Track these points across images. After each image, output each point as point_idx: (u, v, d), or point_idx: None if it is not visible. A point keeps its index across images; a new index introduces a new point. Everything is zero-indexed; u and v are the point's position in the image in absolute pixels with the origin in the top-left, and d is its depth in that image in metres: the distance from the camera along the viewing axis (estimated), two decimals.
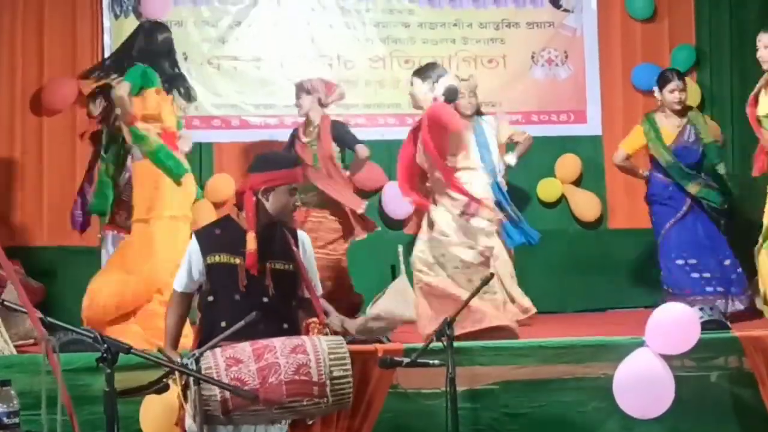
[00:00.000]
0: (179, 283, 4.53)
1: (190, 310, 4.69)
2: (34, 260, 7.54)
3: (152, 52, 6.58)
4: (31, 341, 6.29)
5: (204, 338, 4.39)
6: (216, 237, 4.49)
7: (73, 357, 4.92)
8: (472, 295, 4.63)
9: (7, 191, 8.02)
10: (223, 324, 4.31)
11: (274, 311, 4.35)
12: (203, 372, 3.92)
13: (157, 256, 6.38)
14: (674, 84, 7.52)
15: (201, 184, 8.15)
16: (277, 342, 4.11)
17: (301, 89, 7.33)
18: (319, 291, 4.67)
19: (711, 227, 7.60)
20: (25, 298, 3.67)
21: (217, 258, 4.42)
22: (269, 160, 4.66)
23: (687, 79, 8.65)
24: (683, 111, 7.62)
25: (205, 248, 4.44)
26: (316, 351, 4.10)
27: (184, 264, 4.51)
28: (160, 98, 6.57)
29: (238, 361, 4.01)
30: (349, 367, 4.16)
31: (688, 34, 8.94)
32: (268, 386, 3.99)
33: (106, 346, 3.48)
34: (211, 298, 4.46)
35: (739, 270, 7.51)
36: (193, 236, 4.55)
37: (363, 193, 7.83)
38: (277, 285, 4.41)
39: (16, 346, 5.89)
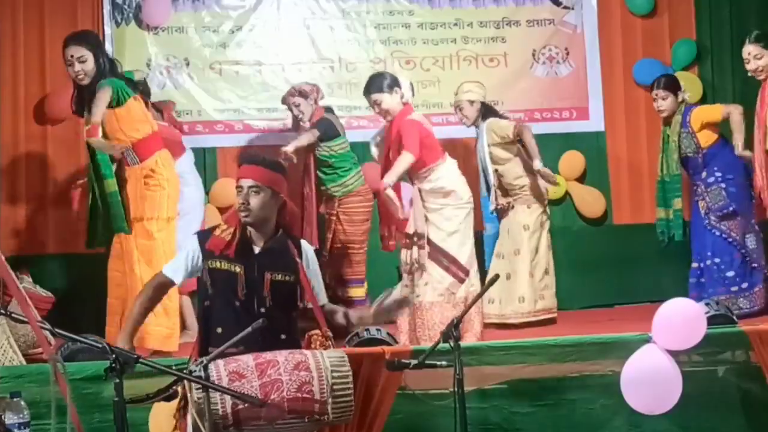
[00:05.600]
0: (173, 271, 4.49)
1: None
2: (42, 269, 7.55)
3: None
4: (40, 350, 6.30)
5: (201, 344, 4.41)
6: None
7: (83, 366, 4.94)
8: (478, 296, 4.65)
9: (13, 200, 8.03)
10: (219, 330, 4.33)
11: (273, 321, 4.30)
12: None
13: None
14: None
15: (206, 189, 8.17)
16: (281, 357, 4.11)
17: (300, 95, 7.53)
18: (324, 300, 4.67)
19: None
20: (32, 316, 3.68)
21: (217, 264, 4.42)
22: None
23: (688, 73, 8.68)
24: None
25: (207, 252, 4.44)
26: (319, 368, 4.11)
27: (182, 257, 4.50)
28: (141, 104, 6.51)
29: (241, 376, 4.03)
30: (350, 383, 4.18)
31: (688, 29, 8.94)
32: (270, 402, 4.01)
33: (114, 355, 3.50)
34: (207, 303, 4.45)
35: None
36: (195, 237, 4.53)
37: None
38: (276, 296, 4.40)
39: (24, 355, 5.91)
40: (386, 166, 6.72)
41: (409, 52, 8.71)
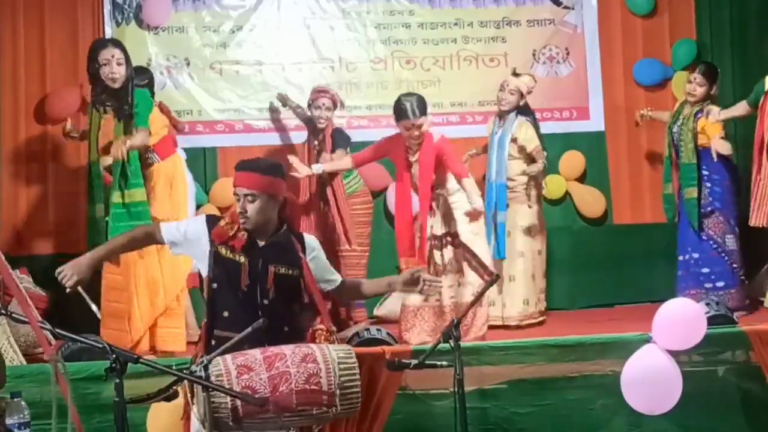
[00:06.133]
0: (168, 231, 4.52)
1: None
2: (40, 268, 7.54)
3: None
4: (40, 349, 6.31)
5: (208, 325, 4.42)
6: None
7: (83, 366, 4.95)
8: (478, 297, 4.65)
9: (13, 200, 8.03)
10: (225, 314, 4.35)
11: (275, 314, 4.35)
12: (214, 379, 3.95)
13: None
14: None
15: (206, 189, 8.18)
16: (288, 350, 4.14)
17: (332, 103, 7.47)
18: (339, 278, 4.72)
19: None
20: (32, 316, 3.69)
21: (223, 251, 4.43)
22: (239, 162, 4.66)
23: (687, 73, 8.69)
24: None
25: (213, 236, 4.46)
26: (326, 360, 4.13)
27: (182, 224, 4.56)
28: (157, 109, 6.75)
29: (250, 369, 4.05)
30: (357, 375, 4.19)
31: (688, 29, 8.93)
32: (278, 395, 4.03)
33: (114, 356, 3.50)
34: (215, 285, 4.45)
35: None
36: (204, 217, 4.55)
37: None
38: (279, 289, 4.42)
39: (25, 355, 5.92)
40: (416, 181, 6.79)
41: (410, 51, 8.70)
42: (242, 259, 4.42)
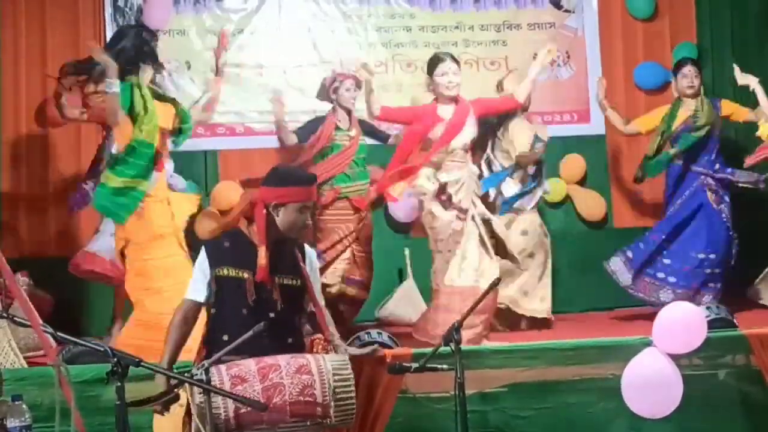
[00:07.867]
0: (196, 292, 4.44)
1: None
2: (41, 271, 7.55)
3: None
4: (41, 352, 6.30)
5: (207, 352, 4.40)
6: (225, 250, 4.44)
7: (84, 369, 4.95)
8: (481, 298, 4.64)
9: (14, 202, 8.04)
10: (225, 338, 4.29)
11: (281, 326, 4.35)
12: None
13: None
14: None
15: (206, 192, 8.19)
16: (282, 361, 4.13)
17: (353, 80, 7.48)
18: (321, 302, 4.67)
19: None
20: (35, 319, 3.68)
21: (225, 271, 4.40)
22: (283, 175, 4.56)
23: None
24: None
25: (214, 261, 4.41)
26: (321, 371, 4.13)
27: (198, 274, 4.47)
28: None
29: (243, 380, 4.05)
30: (352, 387, 4.20)
31: (689, 32, 8.95)
32: (272, 406, 4.02)
33: (116, 359, 3.50)
34: (213, 311, 4.44)
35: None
36: (203, 248, 4.51)
37: None
38: (285, 300, 4.41)
39: (26, 358, 5.92)
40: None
41: (411, 54, 8.71)
42: (245, 274, 4.40)
